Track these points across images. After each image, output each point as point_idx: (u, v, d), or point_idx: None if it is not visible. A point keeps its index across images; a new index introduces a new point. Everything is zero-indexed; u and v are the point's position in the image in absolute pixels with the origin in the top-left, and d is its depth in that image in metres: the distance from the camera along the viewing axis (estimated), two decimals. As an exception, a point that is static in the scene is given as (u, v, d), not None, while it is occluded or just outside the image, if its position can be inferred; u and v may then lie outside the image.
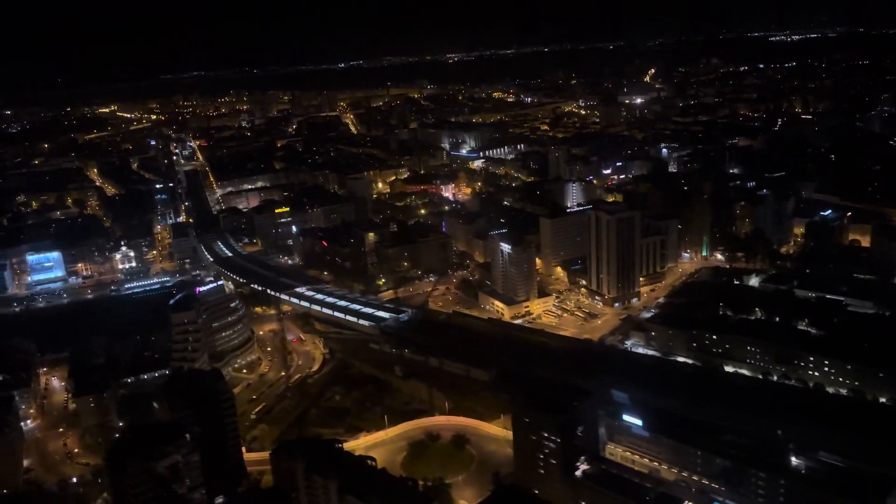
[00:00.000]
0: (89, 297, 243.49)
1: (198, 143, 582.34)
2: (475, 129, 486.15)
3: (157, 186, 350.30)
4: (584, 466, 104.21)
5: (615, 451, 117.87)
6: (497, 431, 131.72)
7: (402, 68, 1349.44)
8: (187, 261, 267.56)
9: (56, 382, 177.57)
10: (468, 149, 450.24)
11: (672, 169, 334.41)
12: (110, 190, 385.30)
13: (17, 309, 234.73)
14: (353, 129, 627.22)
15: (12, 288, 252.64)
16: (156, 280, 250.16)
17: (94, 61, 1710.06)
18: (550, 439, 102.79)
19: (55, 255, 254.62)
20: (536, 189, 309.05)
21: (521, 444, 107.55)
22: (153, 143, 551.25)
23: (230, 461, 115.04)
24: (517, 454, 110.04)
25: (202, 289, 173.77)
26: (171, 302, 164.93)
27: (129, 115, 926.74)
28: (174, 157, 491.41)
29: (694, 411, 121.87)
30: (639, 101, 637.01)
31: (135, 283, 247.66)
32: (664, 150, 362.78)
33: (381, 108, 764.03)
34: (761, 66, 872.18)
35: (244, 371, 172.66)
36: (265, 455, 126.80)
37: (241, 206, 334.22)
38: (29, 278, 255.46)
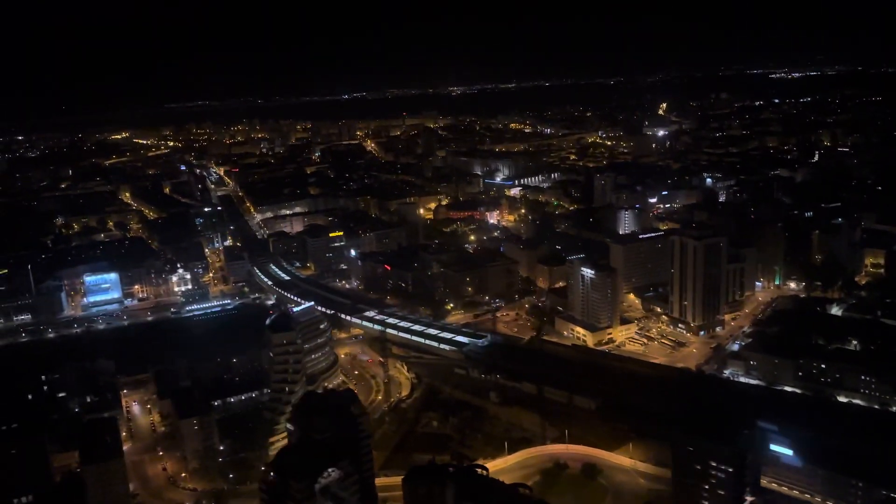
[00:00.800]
0: (149, 319, 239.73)
1: (223, 169, 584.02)
2: (508, 157, 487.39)
3: (206, 210, 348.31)
4: (749, 498, 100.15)
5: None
6: (623, 461, 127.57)
7: (405, 100, 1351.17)
8: (242, 284, 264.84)
9: (135, 405, 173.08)
10: (502, 177, 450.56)
11: (721, 198, 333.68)
12: (150, 213, 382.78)
13: (77, 330, 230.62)
14: (380, 156, 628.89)
15: (68, 309, 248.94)
16: (216, 303, 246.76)
17: (96, 90, 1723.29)
18: (720, 469, 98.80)
19: (112, 276, 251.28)
20: (588, 216, 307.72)
21: (683, 474, 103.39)
22: (183, 168, 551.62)
23: (365, 485, 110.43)
24: (676, 484, 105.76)
25: (296, 309, 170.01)
26: (268, 322, 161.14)
27: (145, 142, 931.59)
28: (207, 182, 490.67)
29: (836, 442, 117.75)
30: (661, 132, 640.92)
31: (195, 306, 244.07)
32: (708, 180, 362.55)
33: (401, 136, 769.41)
34: (776, 100, 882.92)
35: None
36: (387, 481, 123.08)
37: (285, 231, 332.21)
38: (85, 299, 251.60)
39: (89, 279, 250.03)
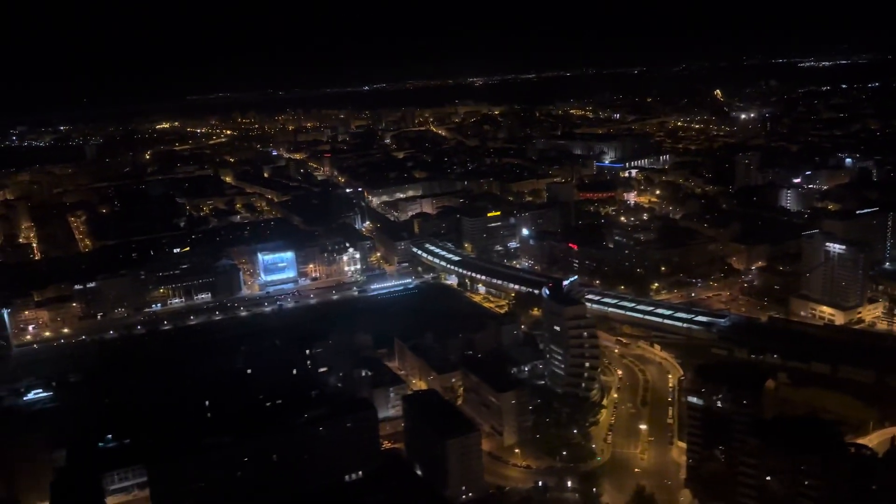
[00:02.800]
0: (335, 297, 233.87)
1: (298, 155, 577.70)
2: (614, 139, 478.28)
3: (348, 191, 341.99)
4: None
5: None
6: None
7: (427, 91, 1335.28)
8: (406, 264, 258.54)
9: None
10: (610, 159, 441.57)
11: (874, 178, 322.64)
12: (274, 197, 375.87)
13: (268, 309, 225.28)
14: (454, 140, 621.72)
15: (244, 289, 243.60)
16: (398, 282, 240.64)
17: (116, 83, 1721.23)
18: None
19: (289, 255, 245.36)
20: (751, 195, 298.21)
21: None
22: (275, 153, 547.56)
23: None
24: None
25: (567, 282, 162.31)
26: (549, 295, 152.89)
27: (198, 131, 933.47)
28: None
29: None
30: (743, 116, 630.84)
31: (377, 285, 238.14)
32: (848, 160, 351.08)
33: (464, 123, 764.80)
34: (844, 86, 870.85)
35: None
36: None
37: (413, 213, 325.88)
38: (260, 278, 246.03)
39: (266, 258, 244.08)
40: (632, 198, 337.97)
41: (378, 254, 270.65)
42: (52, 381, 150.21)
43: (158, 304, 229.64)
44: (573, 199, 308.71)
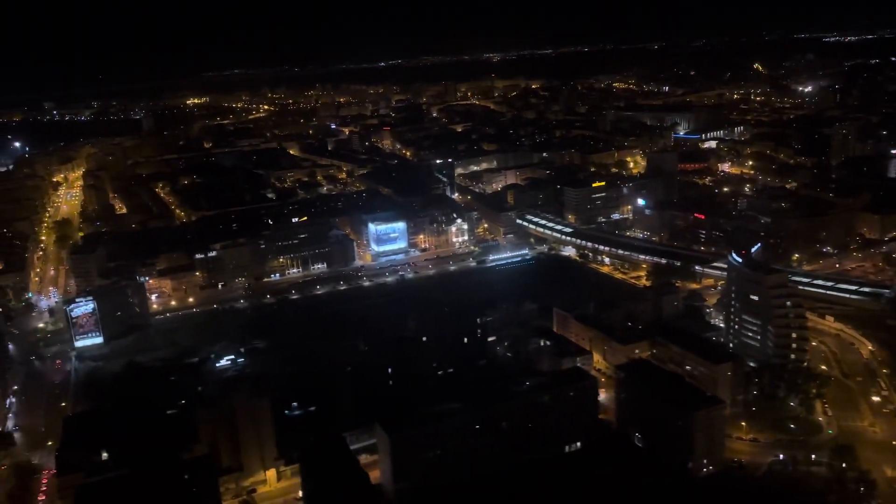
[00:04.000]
0: (452, 268, 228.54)
1: (347, 129, 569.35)
2: (685, 111, 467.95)
3: (438, 162, 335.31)
4: None
5: None
6: None
7: (446, 67, 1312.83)
8: (511, 235, 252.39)
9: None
10: (684, 130, 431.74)
11: None
12: (355, 169, 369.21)
13: (390, 279, 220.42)
14: (507, 112, 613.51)
15: (357, 259, 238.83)
16: (514, 253, 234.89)
17: (122, 62, 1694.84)
18: None
19: (401, 225, 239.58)
20: (862, 165, 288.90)
21: None
22: (333, 126, 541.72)
23: None
24: None
25: (754, 250, 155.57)
26: (739, 264, 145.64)
27: (236, 106, 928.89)
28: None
29: None
30: (800, 89, 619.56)
31: (494, 256, 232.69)
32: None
33: (509, 97, 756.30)
34: (893, 59, 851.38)
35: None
36: None
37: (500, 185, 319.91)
38: (372, 249, 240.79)
39: (379, 228, 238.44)
40: (726, 168, 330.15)
41: (485, 225, 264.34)
42: (240, 347, 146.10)
43: (277, 274, 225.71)
44: (676, 169, 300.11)
